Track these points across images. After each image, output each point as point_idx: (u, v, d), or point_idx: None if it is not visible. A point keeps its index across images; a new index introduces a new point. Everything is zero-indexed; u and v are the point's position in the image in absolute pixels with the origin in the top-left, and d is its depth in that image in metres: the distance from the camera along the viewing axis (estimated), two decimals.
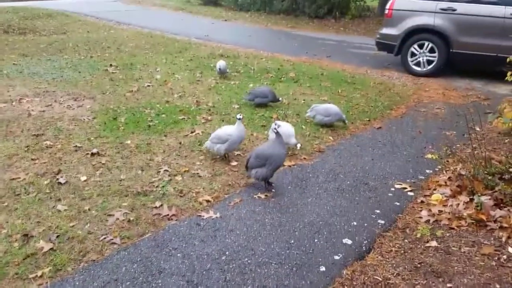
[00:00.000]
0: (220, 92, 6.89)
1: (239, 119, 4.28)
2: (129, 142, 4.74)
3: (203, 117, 5.67)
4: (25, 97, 6.11)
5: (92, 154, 4.34)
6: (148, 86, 7.04)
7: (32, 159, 4.18)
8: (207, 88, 7.13)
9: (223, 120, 5.60)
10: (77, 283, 2.55)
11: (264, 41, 12.90)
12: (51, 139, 4.71)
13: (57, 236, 3.00)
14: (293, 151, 4.75)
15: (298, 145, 4.56)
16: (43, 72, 7.46)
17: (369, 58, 10.56)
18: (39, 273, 2.62)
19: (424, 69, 8.72)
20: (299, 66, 9.17)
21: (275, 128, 3.75)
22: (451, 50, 8.24)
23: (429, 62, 8.61)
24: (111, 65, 8.23)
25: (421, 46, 8.58)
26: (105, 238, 3.01)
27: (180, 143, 4.81)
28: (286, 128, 4.43)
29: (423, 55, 8.63)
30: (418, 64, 8.78)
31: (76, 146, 4.54)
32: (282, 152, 3.71)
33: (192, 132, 5.11)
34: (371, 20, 17.53)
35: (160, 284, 2.57)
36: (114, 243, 2.96)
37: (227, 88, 7.14)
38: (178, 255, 2.86)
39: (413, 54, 8.75)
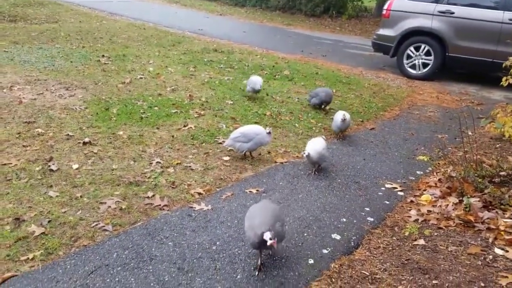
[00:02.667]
0: (213, 88, 6.88)
1: (269, 133, 4.27)
2: (121, 133, 4.72)
3: (196, 112, 5.67)
4: (16, 85, 6.03)
5: (84, 143, 4.32)
6: (141, 78, 7.00)
7: (24, 146, 4.14)
8: (200, 82, 7.12)
9: (216, 116, 5.61)
10: (68, 266, 2.55)
11: (259, 37, 12.91)
12: (42, 127, 4.66)
13: (49, 221, 2.99)
14: (286, 148, 4.78)
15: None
16: (34, 60, 7.36)
17: (365, 59, 10.65)
18: (31, 256, 2.61)
19: (419, 72, 8.80)
20: (294, 64, 9.21)
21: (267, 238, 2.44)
22: (447, 54, 8.31)
23: (425, 65, 8.68)
24: (103, 55, 8.15)
25: (417, 49, 8.63)
26: (96, 224, 3.01)
27: (172, 136, 4.80)
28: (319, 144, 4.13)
29: (418, 57, 8.70)
30: (413, 66, 8.85)
31: (68, 134, 4.51)
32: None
33: (184, 126, 5.10)
34: (367, 21, 17.67)
35: (151, 270, 2.57)
36: (106, 230, 2.96)
37: (221, 84, 7.13)
38: (170, 243, 2.87)
39: (409, 57, 8.82)
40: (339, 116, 5.00)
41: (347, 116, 5.01)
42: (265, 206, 2.77)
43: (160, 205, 3.36)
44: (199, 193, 3.62)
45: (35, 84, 6.16)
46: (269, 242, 2.37)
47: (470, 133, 5.19)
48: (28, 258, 2.60)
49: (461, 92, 8.11)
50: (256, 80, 6.19)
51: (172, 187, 3.68)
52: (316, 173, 4.19)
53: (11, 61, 7.17)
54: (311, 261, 2.80)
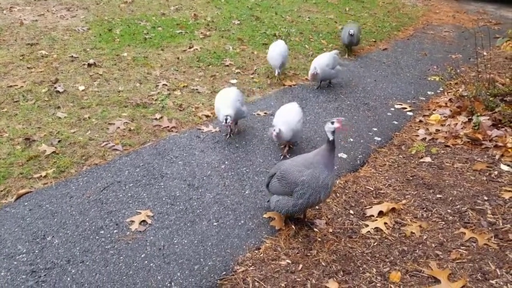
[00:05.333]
0: (219, 6, 6.56)
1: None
2: (125, 54, 4.61)
3: (201, 32, 5.46)
4: (15, 6, 5.82)
5: (89, 65, 4.25)
6: None
7: (28, 68, 4.10)
8: (205, 1, 6.78)
9: (222, 36, 5.40)
10: (81, 183, 2.64)
11: None
12: (46, 48, 4.57)
13: (59, 141, 3.04)
14: (295, 71, 4.65)
15: None
16: None
17: None
18: (43, 174, 2.70)
19: None
20: None
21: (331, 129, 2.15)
22: None
23: None
24: None
25: None
26: (106, 144, 3.06)
27: (178, 58, 4.68)
28: None
29: None
30: None
31: (72, 56, 4.42)
32: (326, 179, 2.16)
33: (190, 48, 4.96)
34: None
35: (162, 186, 2.66)
36: (116, 150, 3.02)
37: (227, 2, 6.79)
38: (179, 162, 2.93)
39: None
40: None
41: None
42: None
43: (168, 126, 3.38)
44: (207, 116, 3.61)
45: (35, 5, 5.94)
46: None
47: (485, 53, 4.98)
48: (41, 176, 2.69)
49: (479, 11, 7.65)
50: (274, 55, 4.24)
51: (180, 110, 3.67)
52: (287, 155, 3.08)
53: None
54: None
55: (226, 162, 2.97)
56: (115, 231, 2.28)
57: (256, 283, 2.00)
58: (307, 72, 4.63)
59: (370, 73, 4.75)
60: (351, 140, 3.36)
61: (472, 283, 1.98)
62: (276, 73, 4.24)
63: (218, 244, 2.24)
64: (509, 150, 2.99)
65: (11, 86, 3.72)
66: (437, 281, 2.00)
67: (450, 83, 4.44)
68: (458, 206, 2.52)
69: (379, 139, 3.40)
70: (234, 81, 4.27)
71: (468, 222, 2.39)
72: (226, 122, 2.97)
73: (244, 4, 6.76)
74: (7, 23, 5.15)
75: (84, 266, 2.05)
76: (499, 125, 3.28)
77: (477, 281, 1.99)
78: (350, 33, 4.94)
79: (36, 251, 2.13)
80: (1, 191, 2.54)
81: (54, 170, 2.74)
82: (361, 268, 2.11)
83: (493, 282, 1.98)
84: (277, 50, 4.23)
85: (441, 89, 4.36)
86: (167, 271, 2.05)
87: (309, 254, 2.20)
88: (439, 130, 3.42)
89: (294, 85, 4.32)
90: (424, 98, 4.16)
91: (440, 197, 2.61)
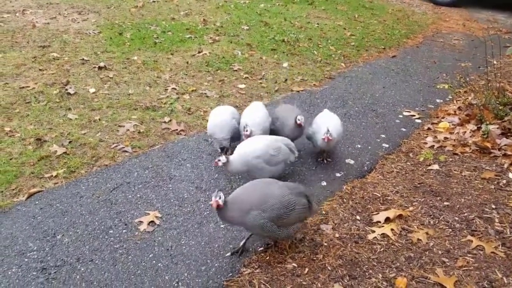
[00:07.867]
0: (228, 12, 6.62)
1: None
2: (135, 58, 4.67)
3: (211, 37, 5.51)
4: (28, 8, 5.93)
5: (100, 68, 4.31)
6: (154, 2, 6.77)
7: (40, 70, 4.17)
8: (215, 6, 6.85)
9: (231, 42, 5.45)
10: (91, 184, 2.68)
11: None
12: (57, 51, 4.64)
13: (69, 142, 3.09)
14: (303, 76, 4.67)
15: None
16: None
17: None
18: (54, 174, 2.74)
19: None
20: None
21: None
22: None
23: None
24: None
25: None
26: (116, 146, 3.10)
27: (187, 62, 4.73)
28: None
29: None
30: None
31: (83, 59, 4.49)
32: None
33: (199, 52, 5.00)
34: None
35: (171, 188, 2.69)
36: (126, 151, 3.05)
37: (237, 8, 6.85)
38: (187, 165, 2.95)
39: None
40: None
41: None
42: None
43: (177, 129, 3.41)
44: None
45: (47, 8, 6.04)
46: None
47: (495, 62, 4.97)
48: (51, 176, 2.73)
49: (489, 20, 7.64)
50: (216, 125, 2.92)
51: (188, 113, 3.70)
52: None
53: None
54: (324, 183, 2.86)
55: None
56: (124, 231, 2.31)
57: (262, 285, 2.01)
58: (315, 78, 4.66)
59: (379, 80, 4.75)
60: (359, 146, 3.36)
61: None
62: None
63: (225, 246, 2.25)
64: None
65: (23, 87, 3.79)
66: None
67: (459, 91, 4.43)
68: (465, 214, 2.52)
69: (387, 145, 3.40)
70: (242, 85, 4.30)
71: (476, 230, 2.38)
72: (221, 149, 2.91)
73: (253, 10, 6.81)
74: (20, 26, 5.25)
75: (93, 264, 2.08)
76: (508, 134, 3.27)
77: None
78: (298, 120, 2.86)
79: (47, 249, 2.16)
80: (13, 189, 2.58)
81: (65, 170, 2.78)
82: (367, 273, 2.11)
83: None
84: (257, 119, 2.90)
85: (450, 97, 4.35)
86: (174, 271, 2.07)
87: (315, 258, 2.20)
88: (447, 138, 3.42)
89: (302, 90, 4.34)
90: (432, 106, 4.16)
91: (447, 205, 2.60)
